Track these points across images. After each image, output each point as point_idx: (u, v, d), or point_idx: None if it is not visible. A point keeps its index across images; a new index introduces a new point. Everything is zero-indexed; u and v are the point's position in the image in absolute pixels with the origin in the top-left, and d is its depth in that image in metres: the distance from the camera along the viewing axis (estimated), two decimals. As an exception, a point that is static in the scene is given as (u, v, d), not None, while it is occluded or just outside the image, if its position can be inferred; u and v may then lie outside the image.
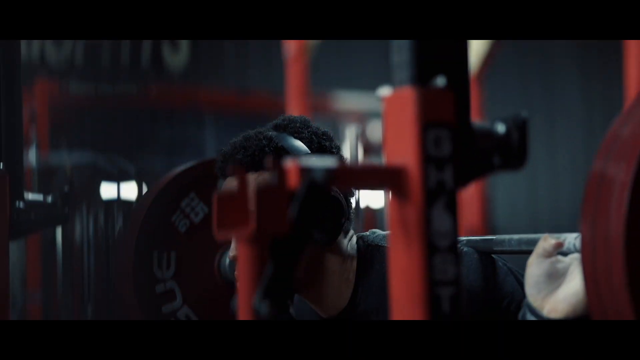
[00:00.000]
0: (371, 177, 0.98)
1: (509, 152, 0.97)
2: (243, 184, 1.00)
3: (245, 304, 1.00)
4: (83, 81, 4.81)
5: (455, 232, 0.95)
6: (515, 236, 1.43)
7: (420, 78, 0.96)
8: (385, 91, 0.98)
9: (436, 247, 0.94)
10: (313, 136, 1.61)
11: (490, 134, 0.98)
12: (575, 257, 1.23)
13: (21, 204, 1.97)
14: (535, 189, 7.64)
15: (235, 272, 1.67)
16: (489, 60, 4.56)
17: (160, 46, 5.54)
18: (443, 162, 0.94)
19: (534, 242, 1.29)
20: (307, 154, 1.57)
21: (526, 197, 7.67)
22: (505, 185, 7.12)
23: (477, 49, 4.42)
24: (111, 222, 2.91)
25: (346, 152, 1.64)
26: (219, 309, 1.96)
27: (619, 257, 0.95)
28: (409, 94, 0.95)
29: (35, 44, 4.64)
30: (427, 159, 0.93)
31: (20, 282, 2.34)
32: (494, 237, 1.50)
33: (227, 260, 1.96)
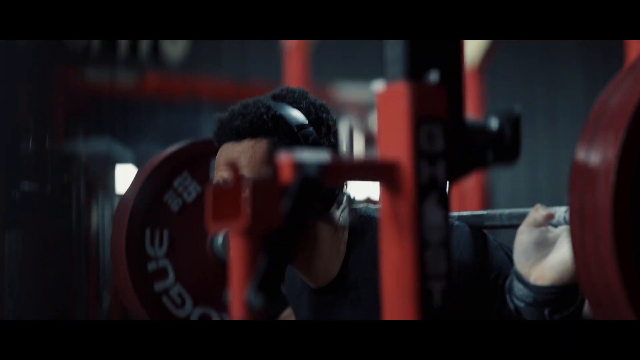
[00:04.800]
0: (364, 172, 0.98)
1: (502, 148, 0.97)
2: (237, 177, 1.01)
3: (238, 297, 1.00)
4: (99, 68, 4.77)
5: (446, 227, 0.95)
6: (507, 210, 1.43)
7: (414, 73, 0.96)
8: (379, 86, 0.99)
9: (428, 241, 0.94)
10: (311, 107, 1.61)
11: (483, 129, 0.98)
12: (565, 228, 1.23)
13: (17, 194, 1.97)
14: (536, 181, 7.64)
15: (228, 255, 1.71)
16: (491, 53, 4.54)
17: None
18: (435, 157, 0.94)
19: (524, 217, 1.29)
20: (304, 123, 1.58)
21: (527, 189, 7.67)
22: (506, 177, 7.11)
23: (478, 41, 4.41)
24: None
25: (343, 142, 1.66)
26: (211, 287, 1.99)
27: (606, 226, 0.95)
28: (402, 89, 0.95)
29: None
30: (420, 154, 0.94)
31: (16, 273, 2.33)
32: (485, 212, 1.50)
33: (220, 240, 1.99)
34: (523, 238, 1.24)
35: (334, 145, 1.62)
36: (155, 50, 5.73)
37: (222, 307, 2.01)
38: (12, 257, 2.20)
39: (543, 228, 1.24)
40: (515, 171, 6.95)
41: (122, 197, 2.00)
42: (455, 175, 0.96)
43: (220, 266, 2.00)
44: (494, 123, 0.98)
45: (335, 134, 1.62)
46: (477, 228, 1.51)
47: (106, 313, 3.26)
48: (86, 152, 3.41)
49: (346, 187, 1.64)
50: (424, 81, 0.95)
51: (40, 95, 2.33)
